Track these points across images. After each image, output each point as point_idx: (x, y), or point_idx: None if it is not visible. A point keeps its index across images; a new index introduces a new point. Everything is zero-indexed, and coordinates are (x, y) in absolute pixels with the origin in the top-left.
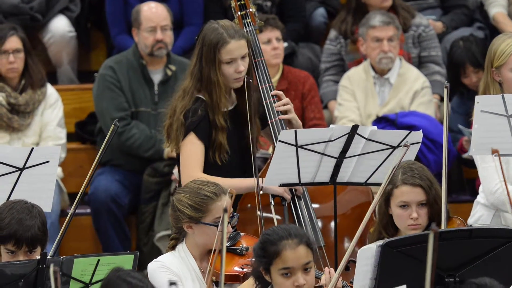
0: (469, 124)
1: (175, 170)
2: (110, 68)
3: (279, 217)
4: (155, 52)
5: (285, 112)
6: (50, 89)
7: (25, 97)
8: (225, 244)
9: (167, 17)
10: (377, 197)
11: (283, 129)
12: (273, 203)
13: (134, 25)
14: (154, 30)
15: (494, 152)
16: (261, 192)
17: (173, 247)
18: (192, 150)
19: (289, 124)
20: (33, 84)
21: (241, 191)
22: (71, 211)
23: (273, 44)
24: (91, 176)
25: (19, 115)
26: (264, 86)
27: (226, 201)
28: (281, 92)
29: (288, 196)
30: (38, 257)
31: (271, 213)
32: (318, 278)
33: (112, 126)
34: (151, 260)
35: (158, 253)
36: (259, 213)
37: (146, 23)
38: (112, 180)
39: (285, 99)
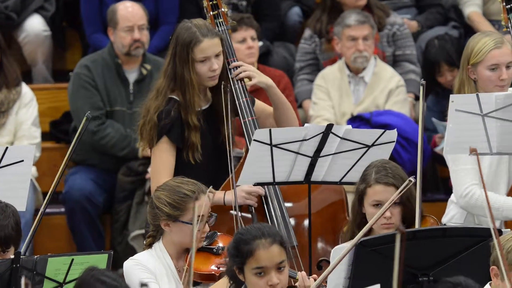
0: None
1: (150, 169)
2: (85, 67)
3: (249, 216)
4: (132, 51)
5: (249, 79)
6: (25, 88)
7: (0, 97)
8: (195, 240)
9: (143, 16)
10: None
11: (256, 128)
12: (240, 214)
13: (110, 25)
14: (131, 29)
15: (472, 151)
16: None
17: (149, 245)
18: (163, 158)
19: (258, 91)
20: (8, 83)
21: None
22: (41, 209)
23: (247, 43)
24: (63, 170)
25: None
26: (237, 86)
27: (204, 201)
28: (240, 62)
29: (251, 202)
30: (12, 256)
31: (239, 222)
32: (292, 278)
33: (85, 118)
34: (125, 259)
35: (132, 252)
36: (234, 212)
37: (123, 23)
38: (86, 179)
39: (239, 62)
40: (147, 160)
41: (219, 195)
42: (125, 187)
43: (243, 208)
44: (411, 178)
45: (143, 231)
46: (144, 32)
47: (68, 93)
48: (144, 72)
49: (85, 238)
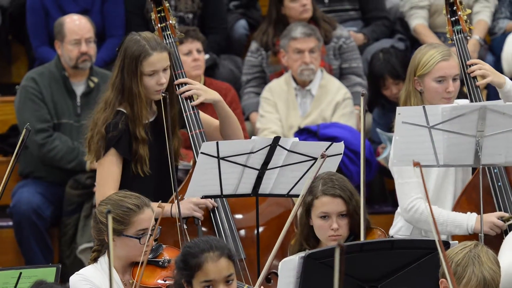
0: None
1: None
2: (32, 80)
3: (204, 227)
4: (79, 64)
5: (196, 97)
6: None
7: None
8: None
9: (90, 29)
10: (295, 208)
11: (203, 141)
12: (186, 227)
13: (57, 38)
14: (79, 42)
15: (416, 165)
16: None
17: (95, 260)
18: (110, 169)
19: (205, 105)
20: None
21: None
22: None
23: (193, 56)
24: (6, 183)
25: None
26: (184, 99)
27: (149, 214)
28: (186, 79)
29: (198, 214)
30: None
31: (185, 236)
32: None
33: (24, 130)
34: (74, 273)
35: (81, 265)
36: (180, 224)
37: (70, 36)
38: (34, 193)
39: (186, 79)
40: (94, 173)
41: (165, 208)
42: (72, 200)
43: (189, 220)
44: (323, 153)
45: (91, 244)
46: (91, 45)
47: (15, 105)
48: (92, 85)
49: (33, 252)
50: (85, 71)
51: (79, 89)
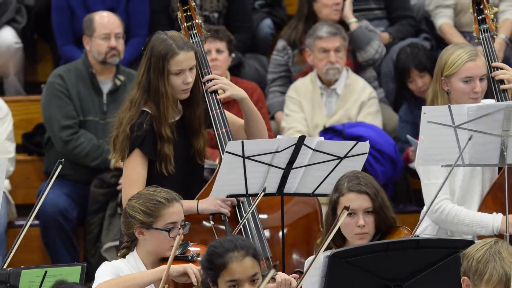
0: (417, 135)
1: (122, 181)
2: (59, 76)
3: (222, 227)
4: (108, 59)
5: (221, 91)
6: (0, 102)
7: None
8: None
9: (119, 25)
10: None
11: (229, 140)
12: (213, 223)
13: (85, 33)
14: (108, 37)
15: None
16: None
17: (123, 256)
18: (135, 170)
19: (231, 104)
20: None
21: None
22: (29, 223)
23: (211, 56)
24: (48, 187)
25: None
26: (210, 97)
27: (178, 208)
28: (213, 75)
29: (225, 210)
30: None
31: (212, 230)
32: (272, 278)
33: (59, 165)
34: None
35: None
36: (207, 224)
37: (100, 30)
38: (60, 194)
39: (212, 75)
40: (119, 172)
41: (191, 204)
42: (97, 199)
43: (216, 217)
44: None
45: (116, 243)
46: (120, 40)
47: (41, 102)
48: (118, 83)
49: (60, 253)
50: (112, 69)
51: (106, 86)
